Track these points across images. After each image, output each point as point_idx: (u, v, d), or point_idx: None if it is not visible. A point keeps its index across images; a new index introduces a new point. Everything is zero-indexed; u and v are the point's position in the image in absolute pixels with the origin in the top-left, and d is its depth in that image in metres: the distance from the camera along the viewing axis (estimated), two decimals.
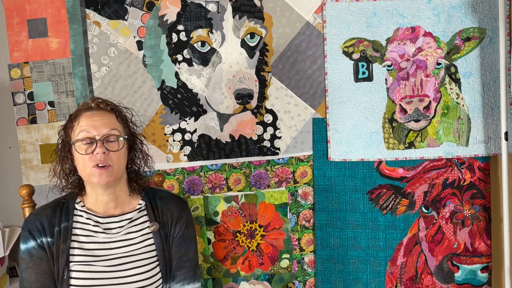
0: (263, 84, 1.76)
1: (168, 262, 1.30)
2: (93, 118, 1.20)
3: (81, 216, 1.25)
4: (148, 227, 1.28)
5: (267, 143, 1.78)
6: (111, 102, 1.27)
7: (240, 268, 1.81)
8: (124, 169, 1.26)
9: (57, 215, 1.23)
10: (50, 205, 1.26)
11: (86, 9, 1.76)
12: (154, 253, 1.27)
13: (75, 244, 1.21)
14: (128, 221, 1.27)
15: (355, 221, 1.76)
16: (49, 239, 1.20)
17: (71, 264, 1.19)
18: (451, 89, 1.70)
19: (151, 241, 1.27)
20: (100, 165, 1.17)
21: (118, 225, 1.26)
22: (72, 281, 1.18)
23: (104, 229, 1.24)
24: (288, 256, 1.80)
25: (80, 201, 1.27)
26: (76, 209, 1.26)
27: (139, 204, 1.30)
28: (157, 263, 1.27)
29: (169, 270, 1.30)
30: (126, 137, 1.24)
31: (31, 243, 1.20)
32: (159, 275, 1.27)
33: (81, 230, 1.23)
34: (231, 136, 1.78)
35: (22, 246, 1.21)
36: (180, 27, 1.75)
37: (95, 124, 1.19)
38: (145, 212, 1.30)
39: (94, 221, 1.24)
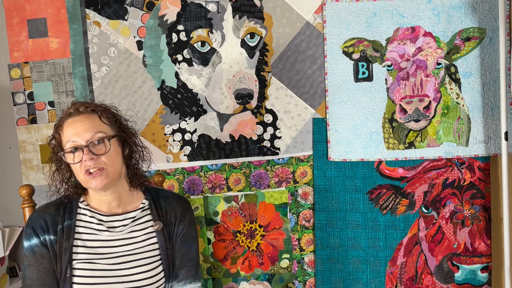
0: (263, 84, 1.76)
1: (171, 261, 1.30)
2: (75, 125, 1.19)
3: (85, 214, 1.25)
4: (152, 226, 1.29)
5: (267, 143, 1.78)
6: (90, 104, 1.24)
7: (240, 268, 1.81)
8: (120, 168, 1.25)
9: (61, 213, 1.24)
10: (54, 203, 1.27)
11: (86, 9, 1.76)
12: (157, 252, 1.27)
13: (78, 242, 1.22)
14: (132, 219, 1.27)
15: (355, 221, 1.76)
16: (52, 237, 1.21)
17: (74, 262, 1.20)
18: (451, 89, 1.70)
19: (154, 239, 1.28)
20: (91, 170, 1.16)
21: (122, 223, 1.26)
22: (75, 279, 1.19)
23: (108, 227, 1.24)
24: (288, 256, 1.80)
25: (84, 200, 1.28)
26: (80, 207, 1.27)
27: (142, 203, 1.31)
28: (160, 261, 1.28)
29: (172, 268, 1.31)
30: (113, 135, 1.22)
31: (34, 240, 1.21)
32: (162, 274, 1.28)
33: (84, 228, 1.24)
34: (231, 136, 1.78)
35: (25, 243, 1.22)
36: (180, 27, 1.75)
37: (78, 131, 1.18)
38: (148, 212, 1.31)
39: (98, 219, 1.25)
